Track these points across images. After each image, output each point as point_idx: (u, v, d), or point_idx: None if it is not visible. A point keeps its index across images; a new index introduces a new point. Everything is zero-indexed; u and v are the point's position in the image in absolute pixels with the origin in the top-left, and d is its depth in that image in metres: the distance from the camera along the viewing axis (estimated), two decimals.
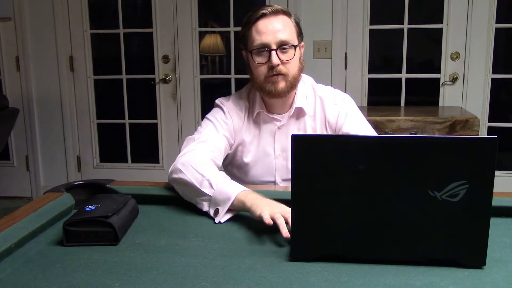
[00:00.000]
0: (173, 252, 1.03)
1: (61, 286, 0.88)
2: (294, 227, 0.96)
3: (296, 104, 1.51)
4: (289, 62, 1.43)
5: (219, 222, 1.19)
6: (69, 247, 1.05)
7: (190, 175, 1.27)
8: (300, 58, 1.48)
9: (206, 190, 1.23)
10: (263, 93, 1.49)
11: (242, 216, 1.21)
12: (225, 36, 3.60)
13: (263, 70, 1.43)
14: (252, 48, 1.43)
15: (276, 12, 1.43)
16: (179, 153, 1.41)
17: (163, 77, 3.58)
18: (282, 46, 1.41)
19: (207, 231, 1.15)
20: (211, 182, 1.24)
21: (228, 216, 1.21)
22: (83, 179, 1.68)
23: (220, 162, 1.47)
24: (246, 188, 1.23)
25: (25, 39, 3.56)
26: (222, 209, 1.20)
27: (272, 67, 1.41)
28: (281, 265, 0.96)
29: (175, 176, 1.32)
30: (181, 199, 1.32)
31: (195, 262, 0.97)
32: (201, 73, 3.56)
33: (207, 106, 3.55)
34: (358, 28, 3.35)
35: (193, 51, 3.51)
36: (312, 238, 0.96)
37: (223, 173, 1.32)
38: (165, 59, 3.55)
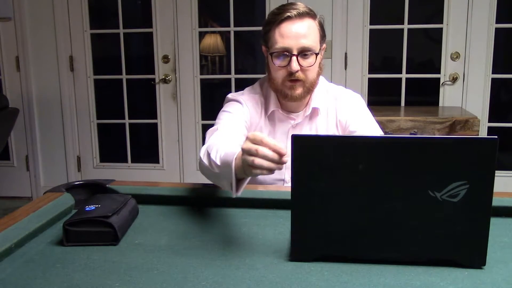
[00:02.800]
0: (173, 252, 1.03)
1: (61, 286, 0.88)
2: (294, 227, 0.96)
3: (313, 104, 1.50)
4: (309, 69, 1.41)
5: (237, 196, 1.08)
6: (69, 247, 1.05)
7: (206, 160, 1.20)
8: (320, 63, 1.46)
9: (216, 169, 1.15)
10: (279, 95, 1.48)
11: (242, 216, 1.21)
12: (225, 36, 3.60)
13: (281, 73, 1.42)
14: (273, 50, 1.41)
15: (301, 15, 1.40)
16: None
17: (163, 77, 3.58)
18: (304, 52, 1.39)
19: (207, 231, 1.15)
20: (216, 160, 1.15)
21: (242, 186, 1.09)
22: (83, 179, 1.68)
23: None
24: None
25: (25, 39, 3.56)
26: (233, 180, 1.06)
27: (291, 73, 1.40)
28: (281, 265, 0.96)
29: (201, 164, 1.25)
30: (181, 199, 1.32)
31: (195, 262, 0.97)
32: (201, 73, 3.56)
33: (207, 106, 3.55)
34: (358, 28, 3.35)
35: (193, 51, 3.51)
36: (312, 238, 0.96)
37: (230, 144, 1.21)
38: (165, 59, 3.55)
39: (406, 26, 3.32)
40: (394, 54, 3.46)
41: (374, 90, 3.44)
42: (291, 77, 1.40)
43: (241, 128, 1.45)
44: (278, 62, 1.41)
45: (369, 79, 3.42)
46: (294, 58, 1.38)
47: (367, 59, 3.40)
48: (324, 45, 1.48)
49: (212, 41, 3.62)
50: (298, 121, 1.52)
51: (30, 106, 3.66)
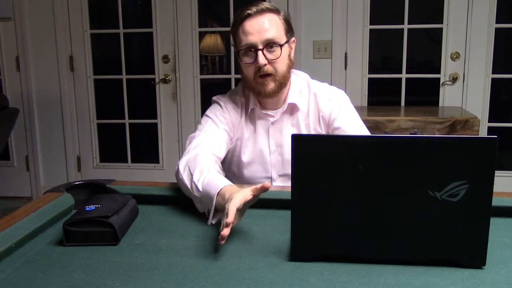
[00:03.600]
0: (173, 252, 1.03)
1: (61, 286, 0.88)
2: (294, 227, 0.96)
3: (289, 100, 1.52)
4: (277, 61, 1.43)
5: (212, 224, 1.17)
6: (69, 247, 1.05)
7: (186, 177, 1.27)
8: (289, 55, 1.48)
9: (196, 193, 1.22)
10: (253, 93, 1.50)
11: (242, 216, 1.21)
12: (225, 36, 3.60)
13: (251, 70, 1.44)
14: (239, 48, 1.44)
15: (261, 11, 1.42)
16: (179, 153, 1.42)
17: (163, 77, 3.58)
18: (269, 45, 1.41)
19: (207, 231, 1.15)
20: (197, 184, 1.21)
21: (218, 216, 1.17)
22: (83, 179, 1.68)
23: (222, 155, 1.47)
24: (228, 184, 1.17)
25: (25, 39, 3.56)
26: (211, 211, 1.16)
27: (259, 67, 1.42)
28: (281, 265, 0.96)
29: (178, 177, 1.33)
30: (181, 199, 1.32)
31: (195, 262, 0.98)
32: (201, 73, 3.56)
33: (207, 106, 3.52)
34: (358, 28, 3.35)
35: (193, 51, 3.51)
36: (312, 238, 0.96)
37: (212, 169, 1.27)
38: (165, 59, 3.55)
39: (406, 26, 3.32)
40: (394, 54, 3.46)
41: (374, 90, 3.44)
42: (260, 72, 1.42)
43: (221, 134, 1.49)
44: (245, 59, 1.44)
45: (369, 79, 3.42)
46: (259, 52, 1.41)
47: (367, 59, 3.40)
48: (293, 38, 1.49)
49: (212, 41, 3.62)
50: (276, 118, 1.53)
51: (30, 106, 3.66)
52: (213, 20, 3.69)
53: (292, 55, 1.50)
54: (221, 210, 1.14)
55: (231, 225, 0.98)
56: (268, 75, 1.43)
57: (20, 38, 3.57)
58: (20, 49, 3.58)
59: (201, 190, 1.20)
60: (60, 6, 3.51)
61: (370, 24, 3.35)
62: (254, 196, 1.05)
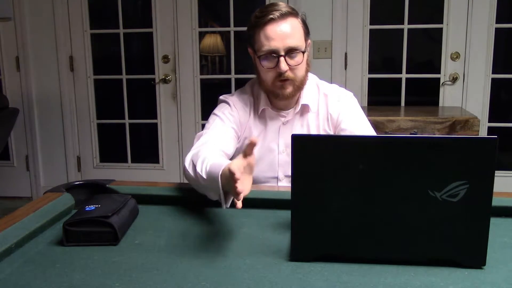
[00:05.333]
0: (173, 252, 1.03)
1: (61, 286, 0.88)
2: (294, 227, 0.96)
3: (303, 101, 1.52)
4: (297, 67, 1.43)
5: (226, 208, 1.11)
6: (69, 247, 1.05)
7: (191, 171, 1.26)
8: (307, 60, 1.48)
9: (202, 182, 1.19)
10: (271, 95, 1.50)
11: (242, 216, 1.21)
12: (225, 36, 3.60)
13: (271, 75, 1.44)
14: (260, 53, 1.43)
15: (284, 16, 1.41)
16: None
17: (163, 77, 3.58)
18: (290, 51, 1.41)
19: (207, 231, 1.15)
20: (201, 173, 1.19)
21: (231, 198, 1.12)
22: (83, 179, 1.68)
23: (230, 152, 1.46)
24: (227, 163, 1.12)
25: (25, 39, 3.56)
26: (221, 194, 1.11)
27: (280, 73, 1.41)
28: (281, 265, 0.96)
29: (185, 173, 1.32)
30: (181, 199, 1.32)
31: (195, 262, 0.98)
32: (201, 73, 3.56)
33: (207, 106, 3.55)
34: (358, 28, 3.35)
35: (193, 51, 3.51)
36: (312, 238, 0.96)
37: (214, 155, 1.25)
38: (165, 59, 3.55)
39: (406, 26, 3.32)
40: (394, 54, 3.46)
41: (374, 90, 3.44)
42: (281, 77, 1.42)
43: (229, 131, 1.48)
44: (266, 64, 1.43)
45: (369, 79, 3.42)
46: (282, 58, 1.40)
47: (367, 59, 3.40)
48: (309, 41, 1.49)
49: (212, 41, 3.62)
50: (288, 118, 1.53)
51: (30, 106, 3.66)
52: (213, 20, 3.69)
53: (309, 58, 1.49)
54: (229, 190, 1.08)
55: (241, 187, 0.95)
56: (287, 79, 1.43)
57: (20, 38, 3.56)
58: (20, 49, 3.58)
59: (205, 177, 1.17)
60: (60, 6, 3.51)
61: (370, 24, 3.35)
62: (248, 155, 1.01)
